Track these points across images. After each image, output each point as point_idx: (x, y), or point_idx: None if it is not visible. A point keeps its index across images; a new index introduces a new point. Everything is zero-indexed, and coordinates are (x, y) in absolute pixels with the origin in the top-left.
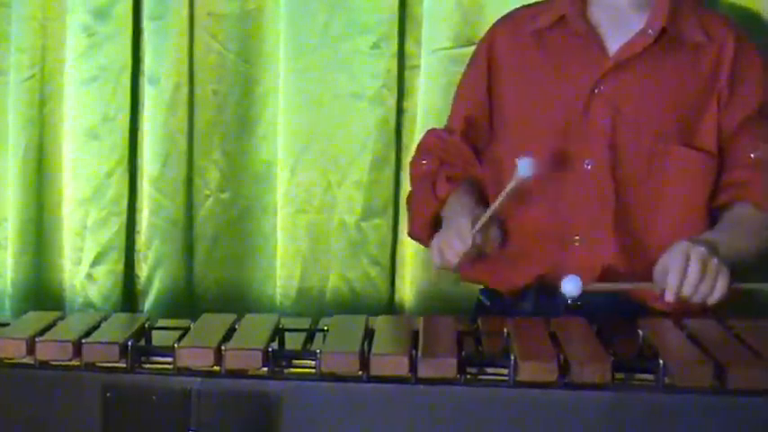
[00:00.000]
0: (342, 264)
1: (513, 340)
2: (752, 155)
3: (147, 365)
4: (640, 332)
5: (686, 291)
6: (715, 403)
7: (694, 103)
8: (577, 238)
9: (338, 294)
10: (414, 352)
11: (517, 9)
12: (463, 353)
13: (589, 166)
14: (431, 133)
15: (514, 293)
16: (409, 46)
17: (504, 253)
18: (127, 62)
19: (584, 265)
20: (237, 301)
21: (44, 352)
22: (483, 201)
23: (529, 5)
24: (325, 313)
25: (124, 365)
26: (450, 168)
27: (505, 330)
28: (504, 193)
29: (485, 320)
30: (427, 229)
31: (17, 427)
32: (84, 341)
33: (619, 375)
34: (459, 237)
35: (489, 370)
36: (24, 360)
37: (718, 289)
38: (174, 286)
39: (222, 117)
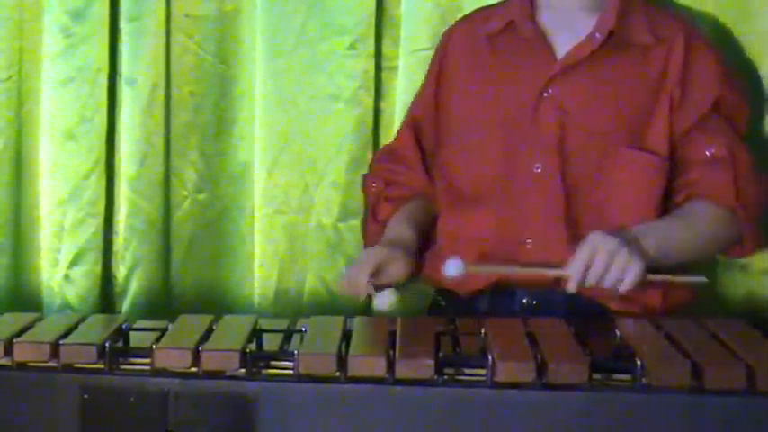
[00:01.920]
0: (319, 265)
1: (490, 341)
2: (707, 153)
3: (125, 367)
4: (618, 332)
5: (590, 280)
6: (692, 403)
7: (643, 106)
8: (530, 241)
9: (316, 295)
10: (391, 353)
11: (474, 11)
12: (441, 353)
13: (539, 170)
14: (381, 153)
15: (470, 294)
16: (386, 47)
17: (461, 256)
18: (104, 63)
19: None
20: (215, 302)
21: (22, 353)
22: (428, 217)
23: (485, 7)
24: (303, 314)
25: (102, 367)
26: (395, 189)
27: (483, 331)
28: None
29: (462, 321)
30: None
31: None
32: (61, 342)
33: (596, 375)
34: (353, 286)
35: (467, 370)
36: (2, 361)
37: (628, 278)
38: (152, 287)
39: (199, 118)
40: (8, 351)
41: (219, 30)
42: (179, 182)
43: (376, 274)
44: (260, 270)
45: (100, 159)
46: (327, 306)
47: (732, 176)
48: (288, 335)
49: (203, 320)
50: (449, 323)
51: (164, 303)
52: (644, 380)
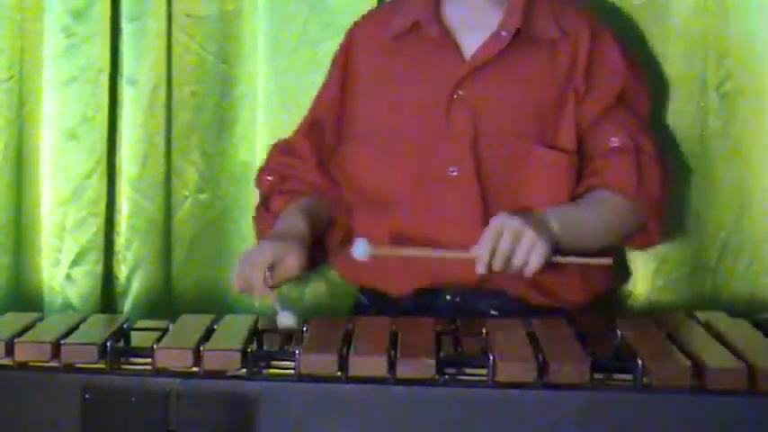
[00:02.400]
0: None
1: (491, 340)
2: (611, 143)
3: (126, 366)
4: (619, 332)
5: (497, 262)
6: (693, 403)
7: (553, 102)
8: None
9: (317, 295)
10: (392, 352)
11: (377, 9)
12: (442, 353)
13: (454, 173)
14: (276, 148)
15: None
16: None
17: (383, 260)
18: (105, 63)
19: (462, 272)
20: (216, 302)
21: (23, 353)
22: (322, 214)
23: (389, 4)
24: (304, 314)
25: (103, 366)
26: (289, 183)
27: (484, 331)
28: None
29: (463, 321)
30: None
31: None
32: (62, 342)
33: (597, 375)
34: (248, 288)
35: (468, 370)
36: (3, 361)
37: (532, 263)
38: (153, 287)
39: (201, 118)
40: (9, 351)
41: (221, 29)
42: (180, 182)
43: (271, 269)
44: None
45: (101, 159)
46: (328, 305)
47: (635, 165)
48: (289, 335)
49: (204, 320)
50: (450, 323)
51: (165, 303)
52: (645, 380)
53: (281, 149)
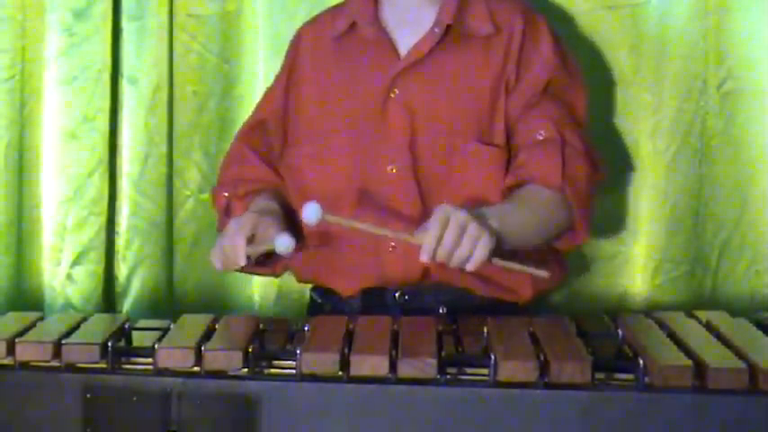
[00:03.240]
0: None
1: (493, 340)
2: (538, 135)
3: (128, 366)
4: (620, 332)
5: (441, 253)
6: (695, 403)
7: (488, 98)
8: (392, 244)
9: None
10: (394, 352)
11: (322, 12)
12: (443, 353)
13: (393, 171)
14: (222, 165)
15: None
16: None
17: (331, 258)
18: (106, 62)
19: (404, 270)
20: (217, 302)
21: (24, 353)
22: (284, 202)
23: (333, 7)
24: (305, 314)
25: (104, 366)
26: (244, 186)
27: (485, 330)
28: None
29: (464, 320)
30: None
31: None
32: (64, 342)
33: (599, 375)
34: (233, 254)
35: (469, 370)
36: (4, 361)
37: (477, 255)
38: (154, 287)
39: (202, 118)
40: (10, 351)
41: (222, 29)
42: (182, 181)
43: (251, 240)
44: None
45: (102, 159)
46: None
47: (560, 158)
48: (290, 334)
49: (205, 320)
50: (451, 323)
51: (166, 303)
52: (646, 379)
53: (225, 164)
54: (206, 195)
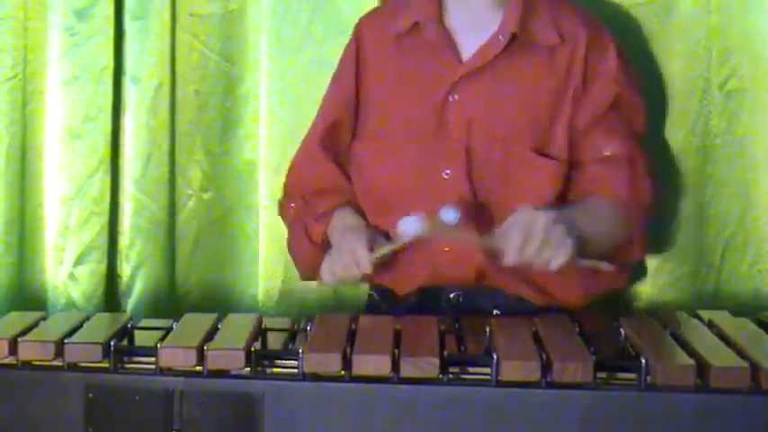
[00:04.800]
0: None
1: (495, 339)
2: (605, 151)
3: (130, 365)
4: (622, 331)
5: (527, 254)
6: (697, 402)
7: (548, 107)
8: (447, 249)
9: (320, 294)
10: (396, 351)
11: (381, 6)
12: (445, 352)
13: (447, 176)
14: (291, 171)
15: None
16: None
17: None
18: (109, 62)
19: (458, 273)
20: (220, 301)
21: (27, 352)
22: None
23: (393, 1)
24: (308, 313)
25: (107, 365)
26: (318, 204)
27: (488, 329)
28: (401, 242)
29: (467, 320)
30: (316, 273)
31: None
32: (66, 341)
33: (601, 374)
34: (356, 264)
35: (472, 369)
36: (7, 360)
37: (560, 257)
38: (157, 286)
39: (204, 117)
40: (13, 350)
41: (225, 28)
42: (184, 181)
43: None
44: (265, 269)
45: (105, 158)
46: (332, 305)
47: (630, 176)
48: (292, 334)
49: (208, 319)
50: (453, 322)
51: (168, 302)
52: (648, 379)
53: (296, 171)
54: (208, 194)
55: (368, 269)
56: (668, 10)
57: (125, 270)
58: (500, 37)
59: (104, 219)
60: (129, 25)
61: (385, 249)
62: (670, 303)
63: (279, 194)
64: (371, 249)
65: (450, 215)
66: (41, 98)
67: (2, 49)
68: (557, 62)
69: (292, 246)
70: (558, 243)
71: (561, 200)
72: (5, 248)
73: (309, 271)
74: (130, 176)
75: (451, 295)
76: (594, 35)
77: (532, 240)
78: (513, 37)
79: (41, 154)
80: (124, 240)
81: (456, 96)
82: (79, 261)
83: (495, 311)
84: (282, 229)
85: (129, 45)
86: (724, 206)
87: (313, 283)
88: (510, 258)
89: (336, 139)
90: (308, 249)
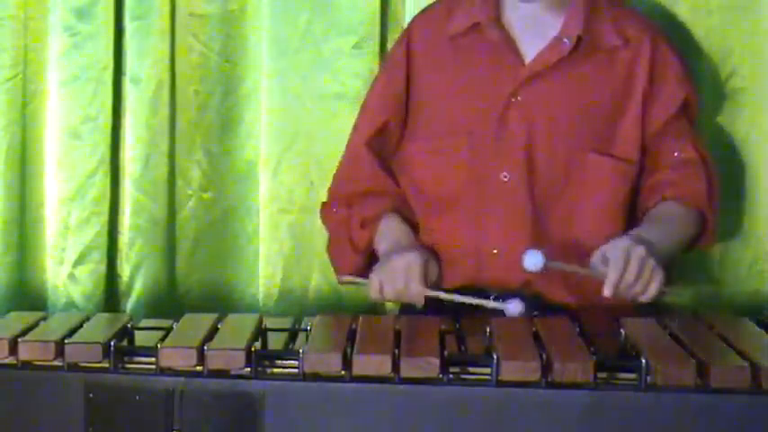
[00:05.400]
0: (324, 264)
1: (495, 339)
2: (676, 154)
3: (130, 365)
4: (623, 331)
5: (622, 288)
6: (697, 402)
7: (610, 110)
8: (495, 251)
9: (321, 294)
10: (396, 351)
11: (433, 6)
12: (446, 352)
13: (506, 178)
14: (336, 174)
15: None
16: (391, 46)
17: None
18: (109, 62)
19: (504, 277)
20: (220, 301)
21: (27, 352)
22: (411, 217)
23: (443, 2)
24: (308, 313)
25: (107, 365)
26: (363, 210)
27: (488, 330)
28: (477, 303)
29: (467, 320)
30: (357, 276)
31: None
32: (66, 341)
33: (601, 374)
34: (409, 296)
35: (472, 369)
36: (7, 360)
37: (652, 290)
38: (157, 286)
39: (204, 117)
40: (13, 350)
41: (224, 29)
42: (184, 181)
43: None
44: (265, 269)
45: (105, 158)
46: (332, 304)
47: (706, 179)
48: (293, 334)
49: (208, 319)
50: (453, 322)
51: (168, 302)
52: (649, 379)
53: (341, 173)
54: (208, 194)
55: (420, 304)
56: (670, 9)
57: (125, 270)
58: (565, 39)
59: (104, 219)
60: (129, 25)
61: (441, 295)
62: (670, 304)
63: (279, 194)
64: (425, 278)
65: (533, 261)
66: (41, 98)
67: (2, 48)
68: (618, 66)
69: (332, 251)
70: (649, 278)
71: (631, 204)
72: (5, 248)
73: (348, 274)
74: (130, 176)
75: (492, 297)
76: (657, 38)
77: (628, 275)
78: (578, 40)
79: (41, 154)
80: (124, 240)
81: (519, 98)
82: (79, 261)
83: (534, 313)
84: (281, 232)
85: (129, 45)
86: (724, 206)
87: (313, 283)
88: (608, 291)
89: (384, 140)
90: (350, 255)
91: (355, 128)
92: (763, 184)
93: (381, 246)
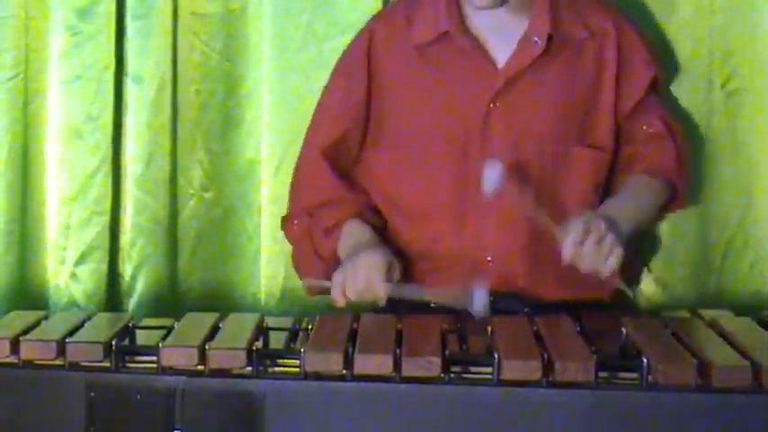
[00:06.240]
0: None
1: (497, 339)
2: (645, 128)
3: (132, 365)
4: (624, 330)
5: (583, 256)
6: (699, 401)
7: (584, 101)
8: (489, 258)
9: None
10: (398, 351)
11: (391, 11)
12: (447, 351)
13: None
14: (294, 186)
15: None
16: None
17: (421, 272)
18: (110, 61)
19: (500, 282)
20: (221, 301)
21: (28, 351)
22: (375, 221)
23: (399, 6)
24: (309, 312)
25: (108, 365)
26: (325, 218)
27: (489, 329)
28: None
29: (468, 319)
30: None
31: (0, 427)
32: (68, 340)
33: (602, 374)
34: (372, 294)
35: (473, 369)
36: (8, 359)
37: (609, 264)
38: (158, 285)
39: (206, 116)
40: (15, 349)
41: (226, 28)
42: (185, 180)
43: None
44: (266, 268)
45: (106, 157)
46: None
47: (674, 151)
48: (294, 333)
49: (209, 319)
50: (455, 322)
51: (170, 301)
52: (650, 378)
53: (299, 185)
54: (209, 194)
55: (383, 301)
56: (671, 9)
57: (126, 269)
58: (535, 39)
59: (106, 218)
60: (131, 25)
61: (403, 292)
62: (672, 303)
63: (280, 194)
64: (388, 276)
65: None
66: (43, 97)
67: (3, 48)
68: (587, 56)
69: (299, 264)
70: (607, 252)
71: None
72: (7, 247)
73: (317, 288)
74: (132, 176)
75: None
76: (620, 22)
77: (584, 250)
78: (549, 38)
79: (43, 153)
80: (126, 240)
81: (497, 104)
82: (81, 260)
83: (524, 309)
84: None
85: (130, 44)
86: (725, 206)
87: None
88: (565, 255)
89: (342, 148)
90: (317, 266)
91: (311, 137)
92: (763, 184)
93: (344, 249)
